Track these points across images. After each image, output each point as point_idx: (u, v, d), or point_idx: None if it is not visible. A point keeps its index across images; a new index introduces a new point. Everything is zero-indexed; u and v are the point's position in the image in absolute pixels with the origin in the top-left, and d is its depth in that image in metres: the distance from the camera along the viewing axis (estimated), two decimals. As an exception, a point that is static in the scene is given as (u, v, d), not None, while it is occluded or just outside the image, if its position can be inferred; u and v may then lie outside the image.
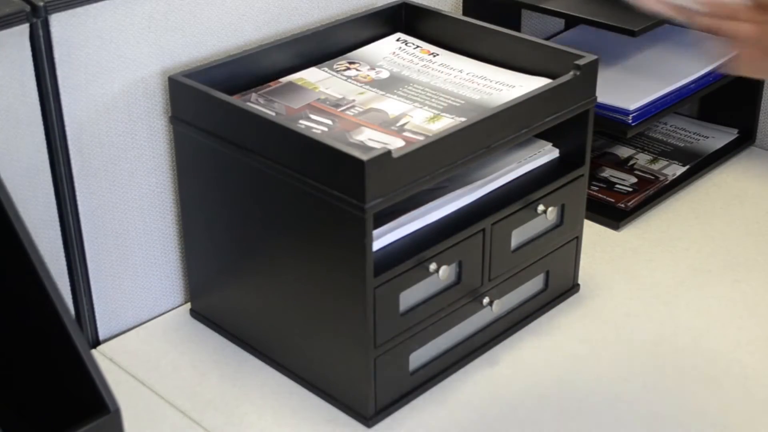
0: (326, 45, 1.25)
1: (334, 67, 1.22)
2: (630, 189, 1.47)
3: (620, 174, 1.51)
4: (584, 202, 1.24)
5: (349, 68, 1.22)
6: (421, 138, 1.06)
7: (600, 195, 1.45)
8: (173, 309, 1.25)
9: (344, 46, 1.27)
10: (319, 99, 1.15)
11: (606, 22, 1.34)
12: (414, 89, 1.18)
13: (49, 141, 1.08)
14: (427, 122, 1.10)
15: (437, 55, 1.25)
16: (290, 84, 1.18)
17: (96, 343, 1.19)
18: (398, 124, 1.10)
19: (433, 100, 1.15)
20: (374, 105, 1.14)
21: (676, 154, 1.56)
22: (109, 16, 1.08)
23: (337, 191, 0.98)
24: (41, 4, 1.01)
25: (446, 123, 1.09)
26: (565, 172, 1.19)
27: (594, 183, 1.48)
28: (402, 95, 1.17)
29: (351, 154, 0.96)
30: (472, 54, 1.25)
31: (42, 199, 1.09)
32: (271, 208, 1.06)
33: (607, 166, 1.53)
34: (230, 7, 1.19)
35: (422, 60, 1.24)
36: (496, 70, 1.21)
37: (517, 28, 1.58)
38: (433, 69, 1.22)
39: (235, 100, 1.10)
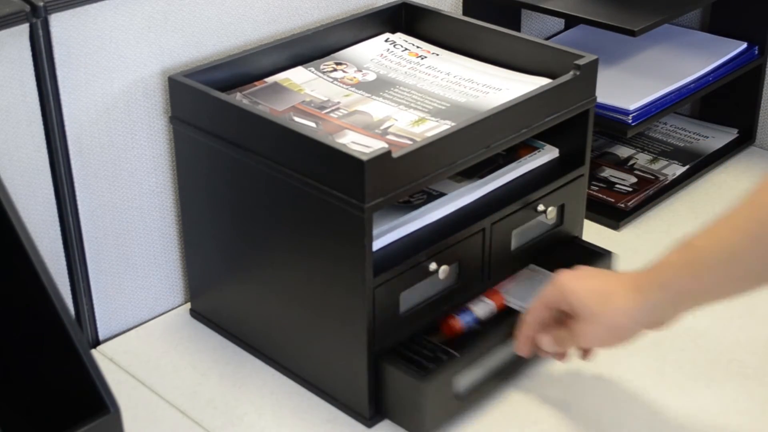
0: (326, 45, 1.25)
1: (321, 67, 1.22)
2: (630, 189, 1.47)
3: (620, 174, 1.51)
4: (584, 202, 1.24)
5: (336, 69, 1.22)
6: (406, 141, 1.06)
7: (600, 195, 1.45)
8: (173, 309, 1.26)
9: (344, 47, 1.27)
10: (303, 101, 1.14)
11: (606, 22, 1.35)
12: (400, 92, 1.18)
13: (49, 141, 1.08)
14: (412, 125, 1.10)
15: (425, 57, 1.25)
16: (275, 85, 1.17)
17: (96, 343, 1.19)
18: (382, 127, 1.09)
19: (418, 102, 1.15)
20: (359, 107, 1.14)
21: (676, 154, 1.56)
22: (109, 16, 1.08)
23: (336, 191, 0.98)
24: (41, 4, 1.01)
25: (431, 126, 1.09)
26: (565, 172, 1.19)
27: (594, 183, 1.48)
28: (388, 98, 1.16)
29: (351, 154, 0.96)
30: (472, 54, 1.25)
31: (42, 199, 1.09)
32: (271, 207, 1.06)
33: (607, 166, 1.53)
34: (230, 7, 1.19)
35: (410, 62, 1.24)
36: (486, 73, 1.21)
37: (517, 28, 1.58)
38: (420, 72, 1.22)
39: (235, 99, 1.10)
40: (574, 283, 1.02)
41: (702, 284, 0.94)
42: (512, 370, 1.12)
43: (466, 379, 1.06)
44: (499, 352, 1.09)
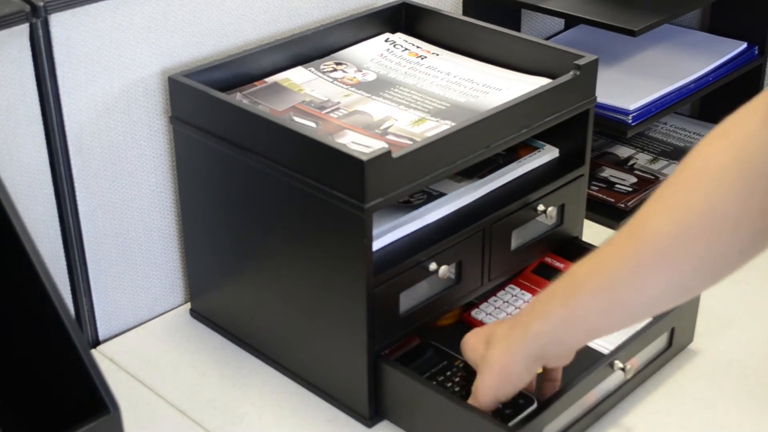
0: (326, 45, 1.25)
1: (321, 67, 1.22)
2: (630, 189, 1.47)
3: (620, 174, 1.51)
4: (584, 202, 1.24)
5: (336, 69, 1.22)
6: (406, 141, 1.06)
7: (600, 195, 1.46)
8: (173, 309, 1.26)
9: (343, 47, 1.27)
10: (303, 101, 1.14)
11: (606, 22, 1.35)
12: (400, 92, 1.18)
13: (49, 141, 1.08)
14: (412, 125, 1.10)
15: (425, 57, 1.25)
16: (275, 85, 1.17)
17: (96, 343, 1.19)
18: (382, 127, 1.09)
19: (418, 102, 1.15)
20: (359, 107, 1.14)
21: (676, 154, 1.56)
22: (109, 16, 1.08)
23: (336, 191, 0.98)
24: (41, 4, 1.01)
25: (431, 126, 1.09)
26: (564, 172, 1.19)
27: (594, 183, 1.48)
28: (387, 98, 1.16)
29: (351, 154, 0.96)
30: (472, 54, 1.25)
31: (42, 199, 1.09)
32: (271, 208, 1.06)
33: (607, 166, 1.53)
34: (230, 7, 1.19)
35: (410, 62, 1.24)
36: (486, 72, 1.21)
37: (517, 28, 1.58)
38: (420, 72, 1.22)
39: (235, 100, 1.10)
40: (467, 338, 0.99)
41: (582, 313, 0.87)
42: (594, 418, 1.06)
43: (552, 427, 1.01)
44: (582, 399, 1.04)
